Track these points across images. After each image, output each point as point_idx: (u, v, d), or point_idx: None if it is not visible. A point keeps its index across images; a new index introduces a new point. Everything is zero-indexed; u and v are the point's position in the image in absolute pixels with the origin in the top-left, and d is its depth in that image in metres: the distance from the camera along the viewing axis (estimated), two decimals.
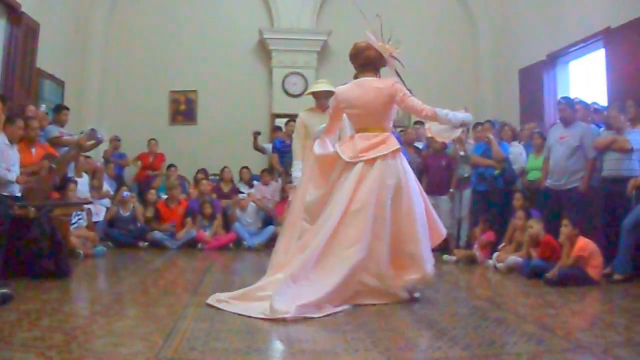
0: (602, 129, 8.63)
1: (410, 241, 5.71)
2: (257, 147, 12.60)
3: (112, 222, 11.19)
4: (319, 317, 4.98)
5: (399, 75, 6.09)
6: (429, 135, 6.82)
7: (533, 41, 12.68)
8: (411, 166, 10.69)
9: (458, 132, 6.24)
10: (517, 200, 8.88)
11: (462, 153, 10.20)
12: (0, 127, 7.15)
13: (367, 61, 6.02)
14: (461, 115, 5.91)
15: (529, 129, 10.48)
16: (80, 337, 4.19)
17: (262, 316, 4.89)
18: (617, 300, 6.40)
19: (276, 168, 12.12)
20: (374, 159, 5.77)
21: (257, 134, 12.48)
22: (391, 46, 6.03)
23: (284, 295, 5.10)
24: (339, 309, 5.26)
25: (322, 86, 8.12)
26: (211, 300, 5.48)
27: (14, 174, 7.35)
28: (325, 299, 5.23)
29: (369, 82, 5.97)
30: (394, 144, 5.94)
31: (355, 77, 6.25)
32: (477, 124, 10.34)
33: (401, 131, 11.89)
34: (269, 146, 12.46)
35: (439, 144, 10.30)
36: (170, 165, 12.87)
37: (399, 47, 6.06)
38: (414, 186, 5.93)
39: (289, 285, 5.27)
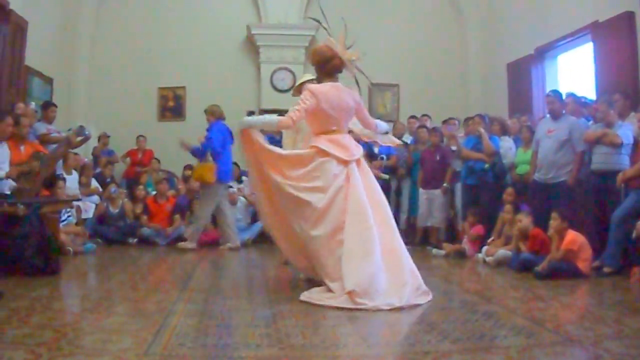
0: (590, 122, 8.64)
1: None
2: None
3: (101, 218, 11.11)
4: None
5: (357, 83, 6.22)
6: (355, 131, 6.90)
7: (521, 35, 12.69)
8: (399, 160, 10.75)
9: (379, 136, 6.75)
10: (509, 195, 8.87)
11: (454, 148, 10.22)
12: None
13: (334, 69, 6.01)
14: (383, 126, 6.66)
15: (521, 122, 10.45)
16: (70, 333, 4.19)
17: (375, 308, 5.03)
18: (607, 293, 6.43)
19: None
20: (359, 159, 5.95)
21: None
22: (353, 52, 6.05)
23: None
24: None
25: (310, 76, 8.13)
26: (304, 297, 5.51)
27: (2, 171, 7.34)
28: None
29: (342, 87, 6.02)
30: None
31: (318, 80, 6.20)
32: (467, 119, 10.36)
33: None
34: None
35: (436, 138, 10.37)
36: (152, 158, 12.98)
37: (361, 56, 6.10)
38: None
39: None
